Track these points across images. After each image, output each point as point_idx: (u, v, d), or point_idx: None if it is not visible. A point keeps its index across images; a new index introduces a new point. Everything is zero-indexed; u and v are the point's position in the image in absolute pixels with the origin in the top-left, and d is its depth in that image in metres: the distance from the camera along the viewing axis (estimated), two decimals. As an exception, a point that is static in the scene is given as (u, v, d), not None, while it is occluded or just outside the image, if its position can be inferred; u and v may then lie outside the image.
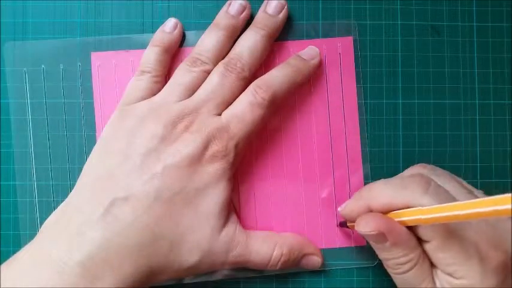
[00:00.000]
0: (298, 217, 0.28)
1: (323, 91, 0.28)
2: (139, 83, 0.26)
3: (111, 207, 0.22)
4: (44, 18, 0.28)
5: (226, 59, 0.26)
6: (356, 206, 0.24)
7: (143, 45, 0.28)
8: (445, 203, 0.20)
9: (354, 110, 0.28)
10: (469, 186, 0.24)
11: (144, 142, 0.24)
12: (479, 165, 0.29)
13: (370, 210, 0.23)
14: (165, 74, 0.27)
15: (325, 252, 0.28)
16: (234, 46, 0.27)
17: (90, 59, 0.28)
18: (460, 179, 0.25)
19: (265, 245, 0.25)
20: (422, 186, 0.22)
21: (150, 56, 0.27)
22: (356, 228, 0.23)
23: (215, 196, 0.24)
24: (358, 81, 0.28)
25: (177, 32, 0.27)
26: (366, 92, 0.29)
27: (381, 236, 0.22)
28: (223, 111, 0.25)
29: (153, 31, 0.28)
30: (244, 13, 0.27)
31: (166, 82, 0.27)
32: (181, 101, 0.25)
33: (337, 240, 0.28)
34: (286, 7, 0.27)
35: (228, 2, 0.27)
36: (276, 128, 0.28)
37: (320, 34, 0.28)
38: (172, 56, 0.28)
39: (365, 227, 0.22)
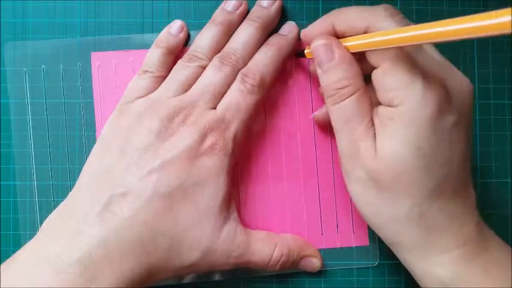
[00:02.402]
0: (298, 217, 0.28)
1: (323, 91, 0.28)
2: (140, 81, 0.26)
3: (109, 204, 0.22)
4: (44, 18, 0.28)
5: (220, 53, 0.26)
6: (321, 23, 0.24)
7: (143, 45, 0.28)
8: None
9: (353, 110, 0.28)
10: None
11: (141, 138, 0.24)
12: (479, 165, 0.29)
13: (334, 34, 0.24)
14: (167, 75, 0.27)
15: (325, 252, 0.28)
16: (229, 40, 0.27)
17: (90, 59, 0.28)
18: None
19: (265, 246, 0.25)
20: (390, 12, 0.22)
21: (153, 56, 0.27)
22: (311, 45, 0.24)
23: (215, 191, 0.24)
24: (358, 81, 0.28)
25: (182, 34, 0.27)
26: (366, 92, 0.29)
27: (329, 50, 0.23)
28: (217, 102, 0.25)
29: (153, 31, 0.28)
30: (240, 9, 0.27)
31: None
32: (179, 96, 0.25)
33: (337, 240, 0.28)
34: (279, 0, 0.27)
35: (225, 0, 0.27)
36: (276, 128, 0.28)
37: (320, 34, 0.28)
38: (176, 57, 0.28)
39: (317, 39, 0.23)
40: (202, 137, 0.24)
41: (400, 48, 0.21)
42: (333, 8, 0.28)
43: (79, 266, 0.21)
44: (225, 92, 0.25)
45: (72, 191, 0.24)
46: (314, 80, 0.28)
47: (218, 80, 0.25)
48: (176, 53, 0.27)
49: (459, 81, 0.22)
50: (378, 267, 0.28)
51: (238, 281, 0.28)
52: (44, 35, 0.28)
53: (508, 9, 0.14)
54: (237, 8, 0.27)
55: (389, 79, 0.21)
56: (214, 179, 0.24)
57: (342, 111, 0.23)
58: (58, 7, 0.28)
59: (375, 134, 0.22)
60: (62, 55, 0.28)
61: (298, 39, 0.27)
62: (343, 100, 0.22)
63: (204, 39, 0.26)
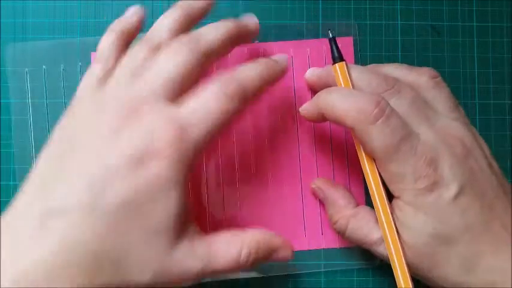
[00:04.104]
0: (297, 217, 0.28)
1: (323, 91, 0.28)
2: (93, 73, 0.23)
3: (46, 221, 0.19)
4: (44, 18, 0.28)
5: (178, 36, 0.23)
6: (311, 109, 0.25)
7: (143, 45, 0.28)
8: (389, 141, 0.22)
9: (354, 110, 0.28)
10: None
11: (83, 143, 0.21)
12: (479, 165, 0.29)
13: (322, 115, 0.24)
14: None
15: (325, 252, 0.28)
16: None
17: (90, 59, 0.28)
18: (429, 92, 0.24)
19: (231, 247, 0.23)
20: (372, 115, 0.22)
21: (104, 43, 0.24)
22: None
23: (167, 206, 0.20)
24: (358, 81, 0.28)
25: (135, 17, 0.24)
26: (366, 92, 0.29)
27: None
28: (177, 96, 0.22)
29: (153, 31, 0.28)
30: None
31: None
32: (128, 89, 0.22)
33: (337, 240, 0.28)
34: (257, 24, 0.26)
35: None
36: (276, 128, 0.28)
37: (320, 34, 0.28)
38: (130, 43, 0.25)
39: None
40: (153, 142, 0.20)
41: None
42: (333, 8, 0.29)
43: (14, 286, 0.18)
44: (181, 79, 0.22)
45: (14, 201, 0.21)
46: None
47: (175, 67, 0.21)
48: (130, 37, 0.24)
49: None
50: (378, 267, 0.28)
51: (237, 281, 0.28)
52: (44, 35, 0.28)
53: None
54: None
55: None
56: (167, 193, 0.20)
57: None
58: (58, 7, 0.28)
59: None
60: (62, 55, 0.28)
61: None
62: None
63: (164, 22, 0.23)
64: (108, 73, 0.23)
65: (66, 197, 0.20)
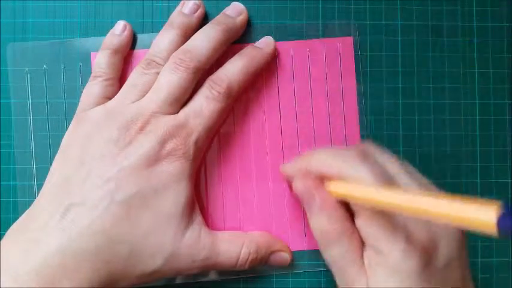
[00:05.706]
0: (297, 217, 0.28)
1: (323, 91, 0.28)
2: (93, 88, 0.26)
3: (67, 212, 0.22)
4: (44, 18, 0.28)
5: (174, 53, 0.25)
6: (295, 167, 0.25)
7: (143, 45, 0.28)
8: (380, 178, 0.21)
9: (354, 110, 0.28)
10: (412, 169, 0.23)
11: (99, 147, 0.23)
12: (479, 165, 0.29)
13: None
14: (118, 76, 0.27)
15: (325, 252, 0.28)
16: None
17: (90, 59, 0.28)
18: (408, 165, 0.23)
19: (232, 245, 0.25)
20: (359, 157, 0.22)
21: (100, 59, 0.26)
22: (293, 186, 0.24)
23: (176, 196, 0.24)
24: (358, 81, 0.29)
25: (126, 33, 0.27)
26: (366, 92, 0.29)
27: (311, 196, 0.23)
28: (178, 108, 0.25)
29: (153, 31, 0.28)
30: (198, 12, 0.27)
31: (120, 85, 0.26)
32: (134, 105, 0.25)
33: (337, 240, 0.28)
34: (245, 12, 0.27)
35: (182, 1, 0.27)
36: (276, 128, 0.28)
37: (320, 34, 0.29)
38: (124, 58, 0.27)
39: (297, 183, 0.23)
40: (161, 144, 0.24)
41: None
42: (333, 8, 0.29)
43: (36, 274, 0.21)
44: (181, 94, 0.25)
45: (35, 200, 0.24)
46: (314, 81, 0.28)
47: (172, 83, 0.24)
48: (123, 53, 0.27)
49: (444, 224, 0.21)
50: (378, 267, 0.28)
51: (238, 281, 0.28)
52: (44, 35, 0.28)
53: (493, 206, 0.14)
54: (195, 11, 0.27)
55: (371, 230, 0.21)
56: (175, 185, 0.24)
57: (331, 256, 0.23)
58: (58, 7, 0.28)
59: (366, 273, 0.22)
60: (62, 55, 0.28)
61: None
62: (330, 246, 0.22)
63: (162, 43, 0.26)
64: (107, 86, 0.26)
65: (86, 193, 0.23)
